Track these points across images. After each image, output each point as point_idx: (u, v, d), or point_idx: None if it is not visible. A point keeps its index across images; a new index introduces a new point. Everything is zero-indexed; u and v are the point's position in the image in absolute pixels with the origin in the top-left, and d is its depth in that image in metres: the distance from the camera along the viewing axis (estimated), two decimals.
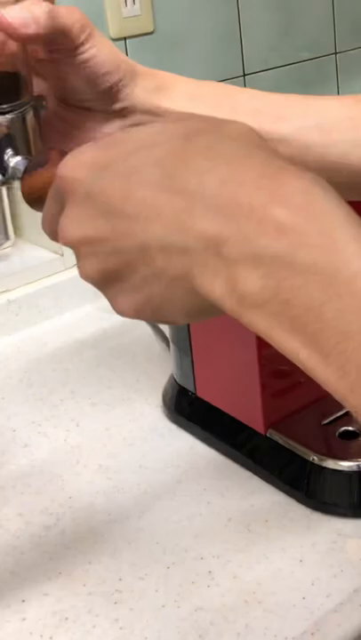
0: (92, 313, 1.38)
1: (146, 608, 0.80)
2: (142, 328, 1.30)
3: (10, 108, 0.61)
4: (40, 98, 0.66)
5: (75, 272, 1.40)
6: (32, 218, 1.42)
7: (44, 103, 0.65)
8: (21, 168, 0.60)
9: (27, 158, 0.61)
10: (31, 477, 1.00)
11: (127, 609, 0.80)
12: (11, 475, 1.01)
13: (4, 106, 0.61)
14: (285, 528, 0.88)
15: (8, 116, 0.61)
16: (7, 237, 1.41)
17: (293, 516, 0.89)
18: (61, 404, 1.14)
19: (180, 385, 1.06)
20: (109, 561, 0.86)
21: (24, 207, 1.53)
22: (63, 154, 0.56)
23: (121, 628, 0.78)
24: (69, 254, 1.39)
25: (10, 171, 0.61)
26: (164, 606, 0.79)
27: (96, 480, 0.98)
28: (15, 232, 1.42)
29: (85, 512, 0.93)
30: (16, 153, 0.61)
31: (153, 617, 0.79)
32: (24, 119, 0.62)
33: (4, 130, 0.61)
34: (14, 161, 0.61)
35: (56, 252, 1.39)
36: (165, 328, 1.14)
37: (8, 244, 1.41)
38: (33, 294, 1.35)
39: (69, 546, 0.89)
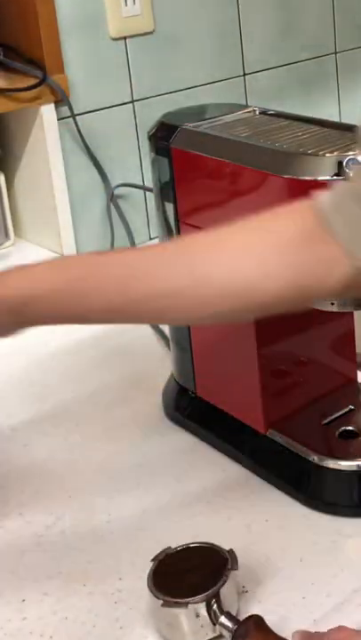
0: None
1: (146, 608, 0.80)
2: (142, 328, 1.30)
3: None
4: None
5: None
6: (32, 218, 1.42)
7: None
8: (228, 624, 0.74)
9: (230, 616, 0.74)
10: (31, 477, 1.00)
11: (127, 608, 0.80)
12: (11, 474, 1.01)
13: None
14: (285, 527, 0.88)
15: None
16: (7, 237, 1.41)
17: (293, 516, 0.89)
18: (61, 403, 1.14)
19: (180, 384, 1.06)
20: (109, 560, 0.86)
21: (24, 207, 1.53)
22: (260, 622, 0.73)
23: (121, 628, 0.78)
24: (69, 254, 1.39)
25: (218, 626, 0.75)
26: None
27: (96, 480, 0.98)
28: (15, 232, 1.42)
29: (85, 512, 0.93)
30: (221, 610, 0.74)
31: (153, 616, 0.79)
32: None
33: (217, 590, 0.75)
34: (222, 618, 0.74)
35: (56, 252, 1.39)
36: (165, 327, 1.14)
37: (8, 243, 1.41)
38: None
39: (69, 545, 0.89)
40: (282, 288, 0.70)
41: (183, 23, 1.47)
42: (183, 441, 1.02)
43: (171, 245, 0.84)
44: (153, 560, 0.79)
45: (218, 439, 1.00)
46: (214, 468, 0.97)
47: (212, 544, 0.79)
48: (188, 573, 0.77)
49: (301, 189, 0.82)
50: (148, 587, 0.76)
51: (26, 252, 1.41)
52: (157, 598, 0.75)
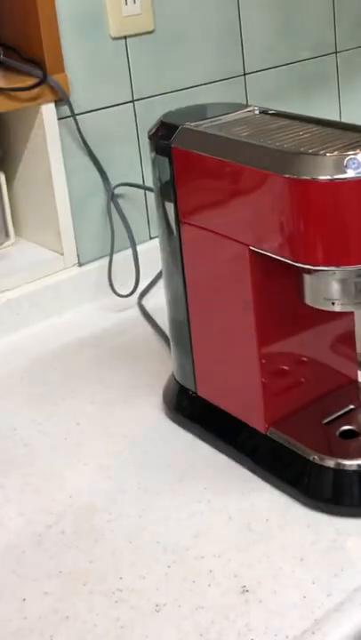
0: (93, 312, 1.38)
1: (146, 607, 0.80)
2: (142, 327, 1.30)
3: None
4: None
5: (75, 271, 1.40)
6: (32, 217, 1.42)
7: None
8: None
9: None
10: (31, 476, 1.00)
11: (128, 608, 0.80)
12: (11, 474, 1.01)
13: None
14: (286, 527, 0.88)
15: None
16: (7, 236, 1.41)
17: (294, 515, 0.89)
18: (62, 403, 1.14)
19: (180, 384, 1.06)
20: (110, 560, 0.86)
21: (24, 206, 1.53)
22: None
23: (122, 627, 0.78)
24: (70, 253, 1.39)
25: None
26: (164, 605, 0.80)
27: (96, 479, 0.98)
28: (16, 231, 1.42)
29: (86, 511, 0.93)
30: None
31: (153, 616, 0.79)
32: None
33: None
34: None
35: (56, 252, 1.39)
36: (165, 327, 1.14)
37: (8, 242, 1.41)
38: (33, 293, 1.35)
39: (70, 545, 0.89)
40: None
41: (183, 22, 1.47)
42: (183, 441, 1.02)
43: None
44: None
45: (218, 439, 1.00)
46: (214, 467, 0.97)
47: None
48: None
49: (301, 189, 0.82)
50: None
51: (26, 252, 1.41)
52: None
